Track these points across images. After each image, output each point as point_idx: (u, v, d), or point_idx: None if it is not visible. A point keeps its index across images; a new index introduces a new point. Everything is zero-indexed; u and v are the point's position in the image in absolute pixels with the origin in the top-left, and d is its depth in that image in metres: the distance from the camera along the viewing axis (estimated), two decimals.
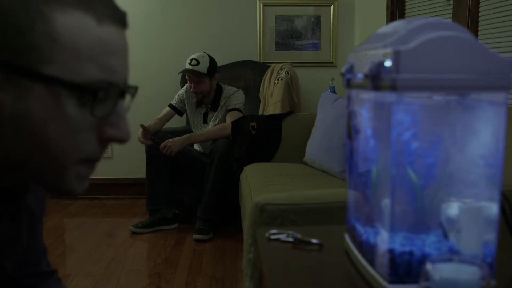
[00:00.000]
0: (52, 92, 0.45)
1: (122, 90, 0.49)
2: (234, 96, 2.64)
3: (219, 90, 2.66)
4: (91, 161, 0.50)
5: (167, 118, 2.70)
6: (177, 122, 2.93)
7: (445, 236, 0.61)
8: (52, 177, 0.48)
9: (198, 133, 2.62)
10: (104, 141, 0.50)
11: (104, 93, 0.47)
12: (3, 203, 0.54)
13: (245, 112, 2.76)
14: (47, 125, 0.45)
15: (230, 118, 2.56)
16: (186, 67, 2.57)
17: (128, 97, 0.52)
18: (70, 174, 0.49)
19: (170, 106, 2.72)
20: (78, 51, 0.45)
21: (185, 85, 2.76)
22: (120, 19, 0.49)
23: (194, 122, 2.73)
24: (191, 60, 2.57)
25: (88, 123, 0.47)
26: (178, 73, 2.65)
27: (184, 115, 2.84)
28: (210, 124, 2.67)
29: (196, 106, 2.70)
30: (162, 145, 2.46)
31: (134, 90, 0.53)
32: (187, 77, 2.60)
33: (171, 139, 2.47)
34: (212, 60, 2.61)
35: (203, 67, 2.56)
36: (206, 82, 2.58)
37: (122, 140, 0.50)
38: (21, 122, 0.45)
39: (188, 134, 2.56)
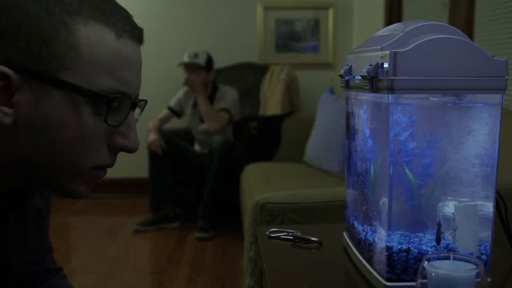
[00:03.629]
0: (69, 99, 0.46)
1: (134, 102, 0.52)
2: (227, 95, 2.68)
3: (215, 90, 2.69)
4: (101, 168, 0.51)
5: (166, 119, 2.74)
6: (179, 122, 2.95)
7: (437, 240, 0.62)
8: (61, 181, 0.50)
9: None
10: (114, 150, 0.51)
11: (118, 103, 0.49)
12: (11, 202, 0.56)
13: (246, 113, 2.78)
14: (62, 130, 0.47)
15: (220, 116, 2.61)
16: (184, 59, 2.62)
17: (138, 110, 0.55)
18: (79, 179, 0.50)
19: (169, 108, 2.77)
20: (97, 62, 0.47)
21: (184, 88, 2.80)
22: (137, 35, 0.51)
23: (192, 122, 2.77)
24: (190, 52, 2.63)
25: (101, 131, 0.49)
26: (177, 66, 2.67)
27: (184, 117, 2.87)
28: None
29: (193, 106, 2.73)
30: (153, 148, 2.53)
31: (144, 103, 0.55)
32: (183, 68, 2.63)
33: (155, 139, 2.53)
34: (210, 56, 2.67)
35: (202, 59, 2.61)
36: (203, 75, 2.62)
37: (131, 150, 0.52)
38: (37, 125, 0.46)
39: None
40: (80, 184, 0.51)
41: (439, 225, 0.61)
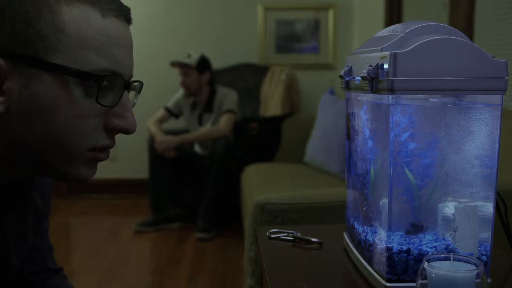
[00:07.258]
0: (59, 80, 0.46)
1: (127, 82, 0.51)
2: (228, 97, 2.67)
3: (213, 92, 2.69)
4: (101, 149, 0.51)
5: (163, 119, 2.75)
6: (179, 122, 2.95)
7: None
8: (61, 165, 0.50)
9: (191, 134, 2.67)
10: (112, 132, 0.51)
11: (109, 82, 0.48)
12: (10, 200, 0.56)
13: (246, 114, 2.78)
14: (55, 112, 0.47)
15: (223, 119, 2.60)
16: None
17: (134, 93, 0.54)
18: (78, 162, 0.50)
19: (166, 109, 2.77)
20: (84, 41, 0.47)
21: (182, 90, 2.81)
22: (124, 14, 0.51)
23: (190, 124, 2.77)
24: (184, 53, 2.65)
25: (94, 112, 0.49)
26: (170, 64, 2.69)
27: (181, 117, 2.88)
28: (208, 126, 2.70)
29: (191, 108, 2.74)
30: (160, 149, 2.52)
31: (139, 85, 0.54)
32: (179, 71, 2.64)
33: (162, 140, 2.52)
34: (204, 58, 2.66)
35: (193, 60, 2.61)
36: (194, 76, 2.61)
37: (127, 131, 0.51)
38: (30, 110, 0.46)
39: (181, 135, 2.61)
40: (80, 167, 0.50)
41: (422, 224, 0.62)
